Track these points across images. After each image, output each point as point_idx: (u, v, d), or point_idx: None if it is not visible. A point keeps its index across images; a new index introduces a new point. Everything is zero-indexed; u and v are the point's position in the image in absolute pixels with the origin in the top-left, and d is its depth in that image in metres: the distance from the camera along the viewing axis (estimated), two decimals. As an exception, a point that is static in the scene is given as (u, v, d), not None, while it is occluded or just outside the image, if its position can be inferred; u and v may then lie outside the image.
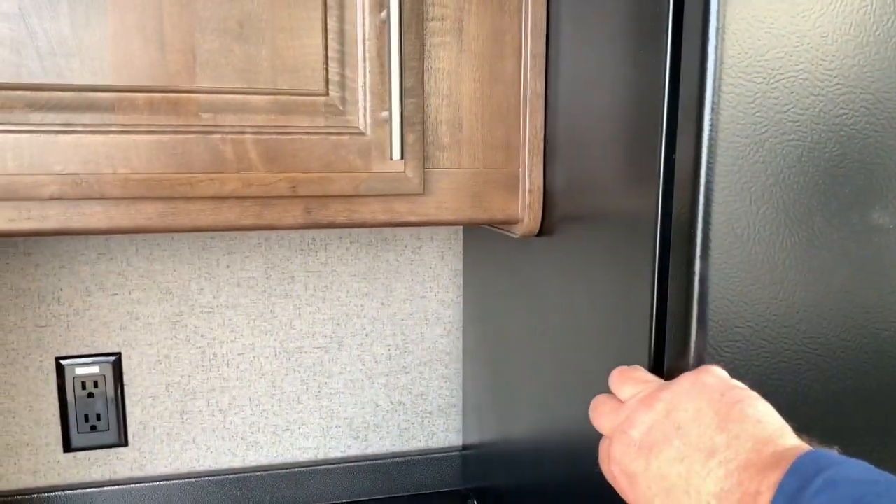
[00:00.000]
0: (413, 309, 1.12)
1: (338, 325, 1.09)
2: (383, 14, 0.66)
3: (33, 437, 1.01)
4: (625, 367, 0.53)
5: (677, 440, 0.45)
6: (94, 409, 1.02)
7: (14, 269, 0.97)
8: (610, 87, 0.61)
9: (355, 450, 1.14)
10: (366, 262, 1.09)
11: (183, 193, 0.65)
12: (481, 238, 1.00)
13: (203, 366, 1.05)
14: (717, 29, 0.48)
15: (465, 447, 1.16)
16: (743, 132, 0.49)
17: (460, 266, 1.12)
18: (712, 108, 0.49)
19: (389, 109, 0.67)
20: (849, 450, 0.40)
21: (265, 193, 0.67)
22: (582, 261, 0.67)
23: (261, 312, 1.06)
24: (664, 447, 0.45)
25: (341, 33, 0.66)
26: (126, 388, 1.03)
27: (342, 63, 0.67)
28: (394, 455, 1.15)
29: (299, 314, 1.08)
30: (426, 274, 1.12)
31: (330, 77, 0.67)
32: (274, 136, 0.66)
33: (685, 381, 0.47)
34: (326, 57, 0.66)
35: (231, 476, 1.08)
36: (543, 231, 0.75)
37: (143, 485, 1.05)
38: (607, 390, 0.54)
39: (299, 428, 1.11)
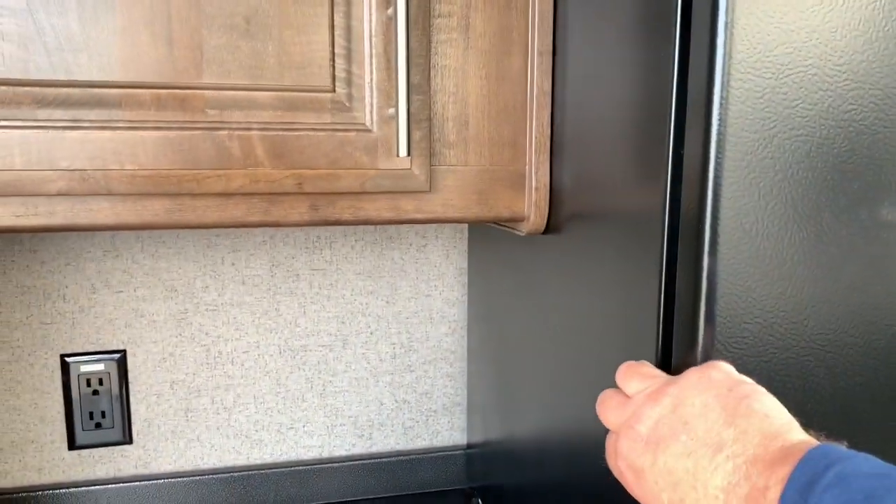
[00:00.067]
0: (418, 307, 1.12)
1: (343, 323, 1.09)
2: (390, 10, 0.66)
3: (38, 435, 1.01)
4: (632, 362, 0.53)
5: (684, 435, 0.45)
6: (98, 407, 1.02)
7: (20, 267, 0.97)
8: (617, 83, 0.61)
9: (360, 448, 1.14)
10: (371, 261, 1.09)
11: (189, 190, 0.65)
12: (487, 236, 1.00)
13: (208, 363, 1.05)
14: (726, 24, 0.48)
15: (469, 446, 1.16)
16: (751, 128, 0.49)
17: (465, 265, 1.12)
18: (721, 104, 0.49)
19: (396, 106, 0.67)
20: (858, 445, 0.40)
21: (271, 190, 0.67)
22: (589, 258, 0.67)
23: (266, 310, 1.06)
24: (671, 442, 0.45)
25: (348, 30, 0.66)
26: (131, 386, 1.03)
27: (349, 59, 0.67)
28: (398, 453, 1.15)
29: (304, 312, 1.08)
30: (431, 272, 1.12)
31: (336, 73, 0.67)
32: (280, 133, 0.66)
33: (692, 375, 0.47)
34: (333, 53, 0.66)
35: (235, 474, 1.08)
36: (550, 229, 0.75)
37: (147, 482, 1.05)
38: (614, 387, 0.53)
39: (304, 426, 1.11)
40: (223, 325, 1.05)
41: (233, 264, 1.04)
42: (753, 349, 0.52)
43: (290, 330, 1.07)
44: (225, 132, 0.65)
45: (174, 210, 0.66)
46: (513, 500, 0.93)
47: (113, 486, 1.03)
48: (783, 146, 0.50)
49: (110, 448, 1.04)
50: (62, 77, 0.61)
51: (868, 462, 0.38)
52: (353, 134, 0.68)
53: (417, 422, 1.15)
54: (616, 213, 0.62)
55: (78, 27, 0.61)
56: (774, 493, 0.38)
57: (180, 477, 1.06)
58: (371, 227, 1.08)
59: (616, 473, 0.50)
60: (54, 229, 0.64)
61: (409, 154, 0.68)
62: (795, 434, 0.42)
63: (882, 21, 0.50)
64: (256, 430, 1.09)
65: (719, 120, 0.49)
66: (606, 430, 0.52)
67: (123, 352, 1.02)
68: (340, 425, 1.12)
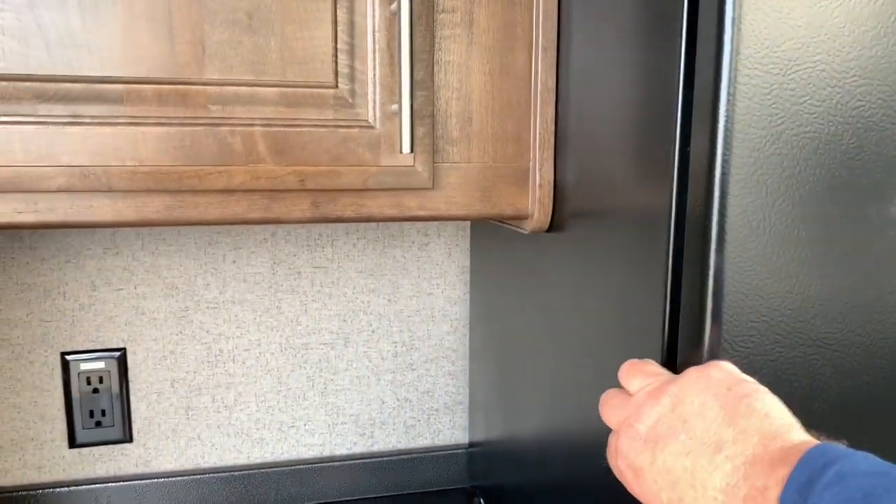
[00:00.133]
0: (420, 306, 1.12)
1: (344, 321, 1.09)
2: (393, 6, 0.65)
3: (38, 433, 1.01)
4: (635, 360, 0.52)
5: (683, 434, 0.44)
6: (99, 405, 1.01)
7: (20, 264, 0.97)
8: (623, 79, 0.60)
9: (361, 447, 1.13)
10: (372, 259, 1.09)
11: (191, 186, 0.65)
12: (490, 234, 0.99)
13: (209, 362, 1.05)
14: (734, 19, 0.47)
15: (471, 444, 1.16)
16: (758, 124, 0.49)
17: (467, 263, 1.12)
18: (728, 100, 0.48)
19: (399, 102, 0.66)
20: (864, 444, 0.40)
21: (273, 187, 0.67)
22: (593, 256, 0.66)
23: (267, 308, 1.06)
24: (670, 441, 0.45)
25: (351, 25, 0.66)
26: (131, 384, 1.03)
27: (352, 55, 0.66)
28: (400, 452, 1.14)
29: (305, 310, 1.07)
30: (433, 270, 1.11)
31: (339, 69, 0.66)
32: (282, 129, 0.66)
33: (692, 374, 0.47)
34: (336, 49, 0.66)
35: (236, 473, 1.07)
36: (554, 226, 0.74)
37: (148, 481, 1.04)
38: (618, 387, 0.53)
39: (305, 424, 1.10)
40: (224, 322, 1.04)
41: (234, 262, 1.03)
42: (760, 347, 0.52)
43: (292, 328, 1.07)
44: (227, 128, 0.65)
45: (175, 207, 0.65)
46: (515, 499, 0.93)
47: (113, 484, 1.03)
48: (791, 143, 0.49)
49: (111, 446, 1.03)
50: (63, 72, 0.61)
51: (867, 460, 0.38)
52: (355, 130, 0.68)
53: (419, 420, 1.15)
54: (621, 210, 0.61)
55: (79, 22, 0.60)
56: (774, 493, 0.38)
57: (181, 476, 1.06)
58: (373, 225, 1.08)
59: (616, 472, 0.50)
60: (54, 226, 0.64)
61: (412, 151, 0.67)
62: (795, 434, 0.41)
63: (891, 16, 0.49)
64: (257, 429, 1.08)
65: (726, 116, 0.48)
66: (609, 430, 0.52)
67: (124, 350, 1.01)
68: (342, 424, 1.12)
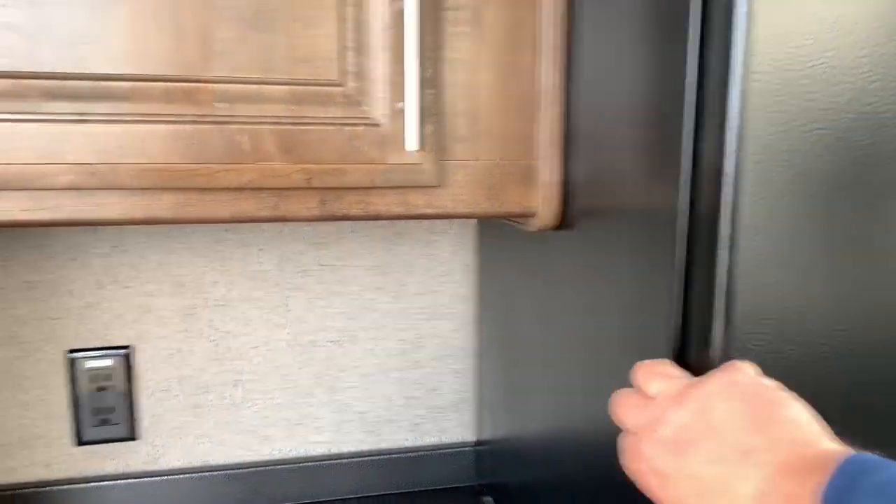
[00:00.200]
0: (426, 303, 1.12)
1: (351, 319, 1.09)
2: (400, 3, 0.65)
3: (46, 430, 1.01)
4: (650, 361, 0.52)
5: (711, 441, 0.44)
6: (105, 403, 1.01)
7: (27, 262, 0.97)
8: (632, 75, 0.60)
9: (368, 444, 1.13)
10: (379, 256, 1.08)
11: (199, 184, 0.64)
12: (496, 232, 0.99)
13: (216, 359, 1.05)
14: (745, 14, 0.47)
15: (478, 443, 1.15)
16: (770, 121, 0.48)
17: (474, 261, 1.12)
18: (739, 97, 0.48)
19: (406, 100, 0.66)
20: (876, 443, 0.40)
21: (281, 185, 0.66)
22: (601, 254, 0.66)
23: (274, 306, 1.06)
24: (698, 447, 0.44)
25: (358, 22, 0.66)
26: (139, 382, 1.03)
27: (359, 53, 0.66)
28: (407, 450, 1.14)
29: (312, 308, 1.07)
30: (439, 268, 1.11)
31: (346, 67, 0.66)
32: (290, 127, 0.66)
33: (718, 378, 0.46)
34: (343, 47, 0.66)
35: (243, 470, 1.07)
36: (561, 225, 0.74)
37: (155, 479, 1.04)
38: (627, 386, 0.53)
39: (312, 422, 1.10)
40: (231, 320, 1.04)
41: (241, 259, 1.03)
42: (770, 346, 0.51)
43: (299, 325, 1.07)
44: (234, 126, 0.64)
45: (183, 205, 0.65)
46: (523, 497, 0.93)
47: (121, 482, 1.03)
48: (802, 140, 0.49)
49: (118, 444, 1.04)
50: (70, 70, 0.61)
51: None
52: (362, 128, 0.67)
53: (426, 418, 1.15)
54: (630, 208, 0.61)
55: (86, 19, 0.60)
56: (807, 502, 0.37)
57: (188, 473, 1.06)
58: (379, 223, 1.08)
59: (635, 476, 0.49)
60: (61, 224, 0.64)
61: (419, 149, 0.67)
62: (827, 443, 0.41)
63: (904, 12, 0.49)
64: (265, 426, 1.08)
65: (737, 113, 0.48)
66: (618, 428, 0.52)
67: (131, 347, 1.01)
68: (349, 421, 1.12)
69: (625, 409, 0.51)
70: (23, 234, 0.96)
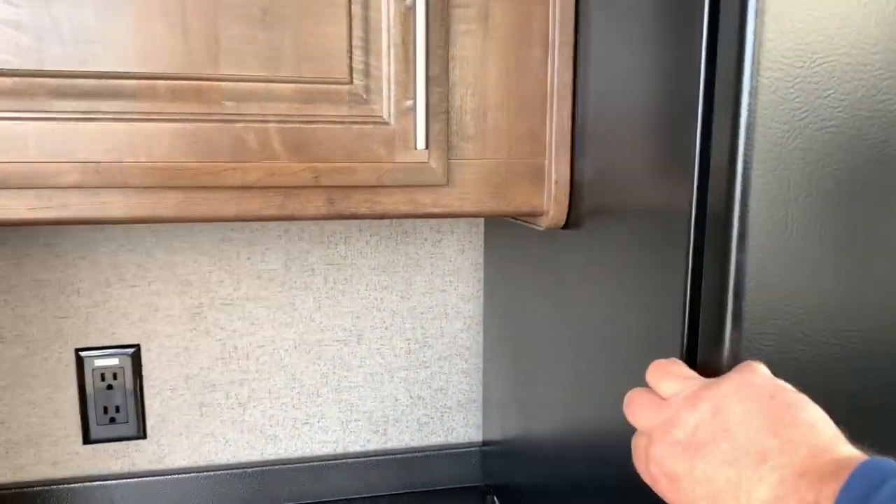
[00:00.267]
0: (433, 303, 1.11)
1: (357, 318, 1.09)
2: (408, 1, 0.65)
3: (53, 429, 1.01)
4: (663, 361, 0.51)
5: (725, 443, 0.43)
6: (113, 402, 1.01)
7: (34, 260, 0.97)
8: (642, 73, 0.59)
9: (374, 444, 1.13)
10: (385, 256, 1.08)
11: (205, 183, 0.64)
12: (504, 231, 0.99)
13: (222, 358, 1.05)
14: (757, 11, 0.46)
15: (485, 443, 1.15)
16: (781, 118, 0.48)
17: (480, 260, 1.11)
18: (750, 94, 0.47)
19: (414, 98, 0.66)
20: (886, 446, 0.39)
21: (288, 183, 0.66)
22: (611, 254, 0.66)
23: (281, 305, 1.05)
24: (711, 449, 0.43)
25: (366, 20, 0.65)
26: (145, 381, 1.03)
27: (366, 51, 0.66)
28: (413, 450, 1.14)
29: (319, 307, 1.07)
30: (446, 267, 1.11)
31: (354, 65, 0.66)
32: (297, 125, 0.66)
33: (732, 380, 0.46)
34: (351, 45, 0.65)
35: (250, 469, 1.07)
36: (570, 224, 0.74)
37: (161, 477, 1.04)
38: (636, 386, 0.52)
39: (318, 421, 1.10)
40: (238, 319, 1.04)
41: (248, 259, 1.03)
42: (781, 346, 0.51)
43: (305, 325, 1.07)
44: (241, 124, 0.64)
45: (189, 203, 0.65)
46: (529, 498, 0.92)
47: (127, 480, 1.03)
48: (814, 137, 0.48)
49: (125, 443, 1.04)
50: (77, 68, 0.61)
51: None
52: (370, 126, 0.67)
53: (432, 418, 1.15)
54: (640, 207, 0.61)
55: (93, 17, 0.60)
56: None
57: (194, 472, 1.06)
58: (386, 222, 1.07)
59: (647, 477, 0.48)
60: (68, 222, 0.64)
61: (426, 147, 0.67)
62: (844, 448, 0.40)
63: (918, 8, 0.48)
64: (271, 426, 1.08)
65: (748, 111, 0.47)
66: (628, 429, 0.51)
67: (138, 346, 1.01)
68: (355, 421, 1.12)
69: (638, 409, 0.50)
70: (34, 232, 0.96)
